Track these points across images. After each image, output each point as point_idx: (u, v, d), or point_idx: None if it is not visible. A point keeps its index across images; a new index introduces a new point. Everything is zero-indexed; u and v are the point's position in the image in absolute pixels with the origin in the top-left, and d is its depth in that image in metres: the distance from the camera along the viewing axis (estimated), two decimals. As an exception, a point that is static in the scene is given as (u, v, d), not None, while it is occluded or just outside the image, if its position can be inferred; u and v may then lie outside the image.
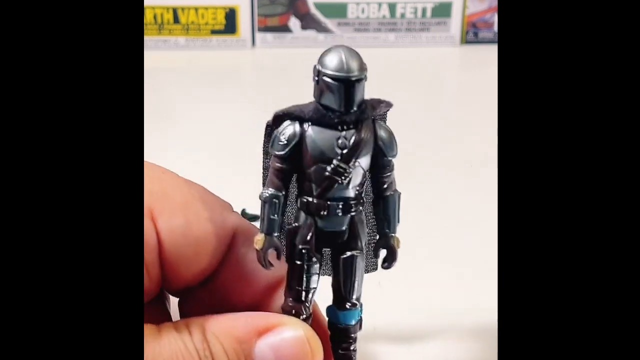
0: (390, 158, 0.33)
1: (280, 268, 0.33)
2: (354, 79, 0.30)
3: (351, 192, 0.32)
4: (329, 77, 0.30)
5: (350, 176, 0.32)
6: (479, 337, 0.45)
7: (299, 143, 0.32)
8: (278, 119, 0.32)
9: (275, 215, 0.32)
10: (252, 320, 0.31)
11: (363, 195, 0.33)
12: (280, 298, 0.34)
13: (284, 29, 0.96)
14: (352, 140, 0.31)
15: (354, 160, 0.31)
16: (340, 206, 0.32)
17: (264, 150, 0.34)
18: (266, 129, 0.33)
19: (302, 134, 0.32)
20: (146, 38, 0.93)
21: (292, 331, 0.31)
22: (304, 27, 0.97)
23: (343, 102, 0.30)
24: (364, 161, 0.32)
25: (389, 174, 0.34)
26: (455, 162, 0.69)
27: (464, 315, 0.47)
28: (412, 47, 0.99)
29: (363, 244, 0.33)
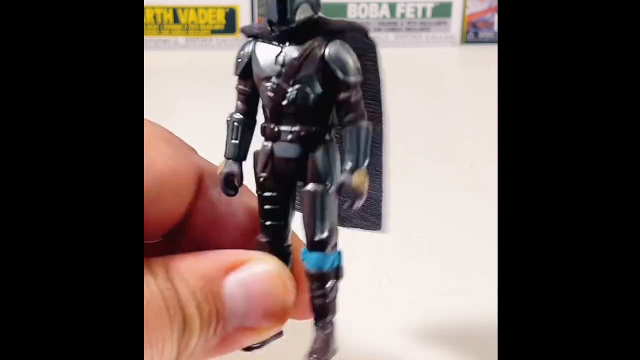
0: (344, 79, 0.29)
1: (254, 211, 0.31)
2: None
3: (302, 116, 0.29)
4: None
5: (292, 97, 0.29)
6: (479, 338, 0.45)
7: (249, 62, 0.30)
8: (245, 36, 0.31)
9: (235, 139, 0.31)
10: (219, 257, 0.29)
11: (329, 123, 0.30)
12: None
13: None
14: (290, 56, 0.29)
15: (293, 78, 0.29)
16: (290, 131, 0.29)
17: None
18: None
19: (253, 51, 0.30)
20: (146, 38, 0.93)
21: (261, 266, 0.29)
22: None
23: (276, 13, 0.28)
24: (312, 81, 0.29)
25: (344, 98, 0.29)
26: (456, 161, 0.69)
27: (464, 316, 0.47)
28: (412, 47, 0.99)
29: (327, 179, 0.30)
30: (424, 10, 0.99)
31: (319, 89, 0.29)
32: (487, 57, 0.87)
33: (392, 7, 0.99)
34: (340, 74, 0.29)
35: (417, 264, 0.51)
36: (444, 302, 0.49)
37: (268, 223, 0.31)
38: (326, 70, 0.29)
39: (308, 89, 0.29)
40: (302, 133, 0.29)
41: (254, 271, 0.29)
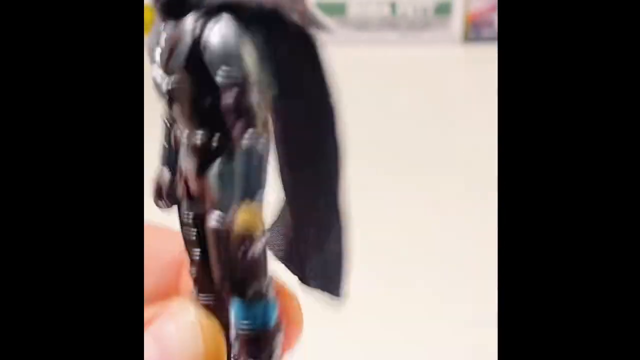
0: (218, 76, 0.20)
1: (174, 246, 0.26)
2: None
3: (191, 121, 0.22)
4: None
5: (165, 90, 0.21)
6: (479, 338, 0.45)
7: None
8: None
9: (167, 141, 0.24)
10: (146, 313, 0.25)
11: (221, 136, 0.22)
12: (187, 279, 0.27)
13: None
14: (163, 38, 0.22)
15: (164, 69, 0.21)
16: (185, 134, 0.22)
17: None
18: None
19: None
20: (146, 37, 0.93)
21: (174, 317, 0.24)
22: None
23: None
24: (183, 74, 0.21)
25: (222, 103, 0.20)
26: (456, 161, 0.69)
27: (464, 319, 0.47)
28: (413, 46, 0.99)
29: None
30: (425, 9, 0.99)
31: (191, 85, 0.21)
32: (489, 55, 0.87)
33: (393, 6, 0.99)
34: (214, 68, 0.20)
35: (416, 264, 0.51)
36: (443, 304, 0.49)
37: (195, 250, 0.24)
38: (199, 61, 0.21)
39: (181, 85, 0.21)
40: (200, 147, 0.22)
41: (167, 325, 0.24)
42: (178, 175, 0.23)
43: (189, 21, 0.21)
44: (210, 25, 0.20)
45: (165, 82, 0.22)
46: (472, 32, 0.99)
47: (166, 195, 0.25)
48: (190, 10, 0.20)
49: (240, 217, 0.20)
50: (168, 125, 0.24)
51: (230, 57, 0.20)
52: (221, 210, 0.21)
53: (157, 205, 0.25)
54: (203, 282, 0.24)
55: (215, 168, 0.22)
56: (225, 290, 0.23)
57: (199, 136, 0.22)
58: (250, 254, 0.21)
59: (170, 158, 0.24)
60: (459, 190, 0.62)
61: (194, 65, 0.21)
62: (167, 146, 0.24)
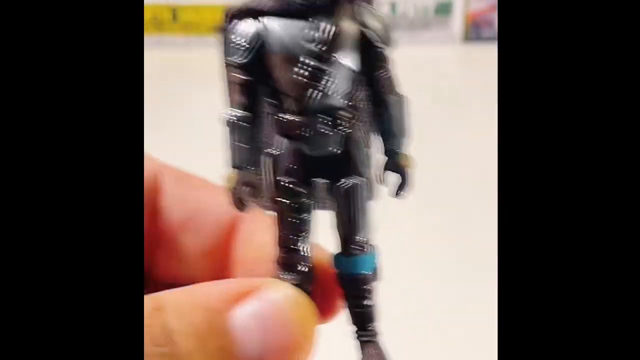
0: (381, 49, 0.26)
1: (229, 207, 0.27)
2: None
3: (339, 102, 0.25)
4: None
5: (330, 78, 0.25)
6: (478, 342, 0.45)
7: (261, 45, 0.25)
8: (233, 19, 0.25)
9: (245, 143, 0.26)
10: (224, 286, 0.25)
11: (361, 106, 0.26)
12: (243, 248, 0.29)
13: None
14: (325, 31, 0.24)
15: (330, 55, 0.24)
16: (327, 122, 0.25)
17: (224, 63, 0.27)
18: (219, 34, 0.26)
19: (264, 31, 0.25)
20: (145, 37, 0.93)
21: (276, 293, 0.25)
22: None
23: None
24: (347, 57, 0.25)
25: (382, 71, 0.26)
26: (456, 160, 0.69)
27: (463, 321, 0.47)
28: (413, 46, 0.99)
29: (366, 169, 0.26)
30: (426, 9, 0.99)
31: (356, 65, 0.25)
32: (489, 55, 0.87)
33: (394, 6, 0.99)
34: (378, 44, 0.25)
35: (416, 263, 0.51)
36: (443, 306, 0.49)
37: (294, 235, 0.26)
38: (362, 42, 0.25)
39: (347, 66, 0.25)
40: (341, 122, 0.25)
41: (269, 300, 0.25)
42: (285, 166, 0.26)
43: (348, 13, 0.25)
44: (363, 14, 0.25)
45: (328, 70, 0.24)
46: (472, 32, 0.99)
47: (255, 193, 0.26)
48: (337, 7, 0.24)
49: (405, 159, 0.26)
50: (247, 123, 0.26)
51: (386, 35, 0.26)
52: (359, 175, 0.26)
53: (241, 209, 0.26)
54: (288, 262, 0.26)
55: (357, 140, 0.26)
56: (345, 248, 0.27)
57: (344, 116, 0.25)
58: (407, 189, 0.27)
59: (252, 157, 0.26)
60: (459, 190, 0.62)
61: (360, 45, 0.25)
62: (247, 146, 0.26)
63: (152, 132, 0.35)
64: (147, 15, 0.94)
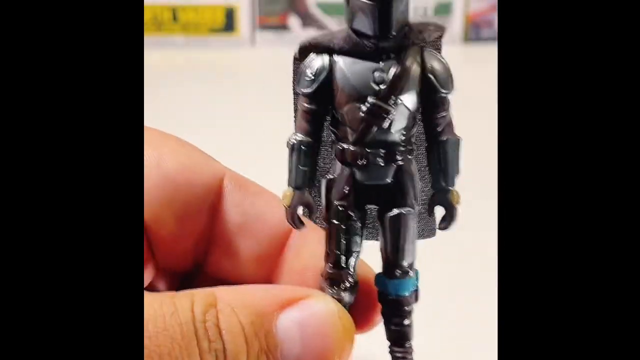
0: (443, 94, 0.27)
1: (284, 217, 0.28)
2: None
3: (395, 137, 0.27)
4: None
5: (391, 117, 0.26)
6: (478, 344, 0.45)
7: (328, 78, 0.27)
8: (305, 51, 0.27)
9: (305, 166, 0.28)
10: (273, 292, 0.27)
11: (413, 141, 0.28)
12: (292, 257, 0.31)
13: (284, 27, 0.96)
14: (391, 73, 0.26)
15: (394, 97, 0.26)
16: (382, 154, 0.27)
17: (293, 91, 0.29)
18: (294, 64, 0.28)
19: (332, 66, 0.27)
20: (145, 37, 0.93)
21: (320, 305, 0.26)
22: (304, 26, 0.97)
23: (378, 25, 0.25)
24: (410, 98, 0.27)
25: (443, 114, 0.28)
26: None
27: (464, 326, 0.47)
28: (412, 46, 0.99)
29: (415, 201, 0.28)
30: (425, 10, 0.99)
31: (416, 105, 0.27)
32: (488, 55, 0.87)
33: (393, 6, 0.99)
34: (442, 90, 0.27)
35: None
36: (443, 308, 0.48)
37: (343, 254, 0.28)
38: (425, 85, 0.27)
39: (408, 107, 0.27)
40: (396, 156, 0.27)
41: (313, 310, 0.26)
42: (340, 191, 0.28)
43: (414, 57, 0.27)
44: (427, 57, 0.27)
45: (392, 110, 0.26)
46: (472, 33, 0.99)
47: (310, 213, 0.29)
48: (405, 51, 0.26)
49: (455, 196, 0.29)
50: (308, 149, 0.28)
51: (448, 80, 0.28)
52: (408, 206, 0.28)
53: (298, 228, 0.28)
54: (334, 277, 0.28)
55: (409, 172, 0.28)
56: (389, 271, 0.28)
57: (398, 150, 0.27)
58: (453, 224, 0.29)
59: (310, 180, 0.28)
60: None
61: (422, 90, 0.27)
62: (306, 169, 0.28)
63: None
64: (147, 15, 0.94)
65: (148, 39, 0.95)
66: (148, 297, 0.24)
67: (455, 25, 1.00)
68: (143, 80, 0.28)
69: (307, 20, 0.97)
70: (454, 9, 0.99)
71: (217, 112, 0.78)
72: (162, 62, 0.92)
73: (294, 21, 0.97)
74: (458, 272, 0.52)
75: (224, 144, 0.73)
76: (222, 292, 0.26)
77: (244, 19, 0.96)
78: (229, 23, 0.96)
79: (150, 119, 0.32)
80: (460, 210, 0.29)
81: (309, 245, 0.32)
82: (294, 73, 0.28)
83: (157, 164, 0.31)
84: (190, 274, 0.34)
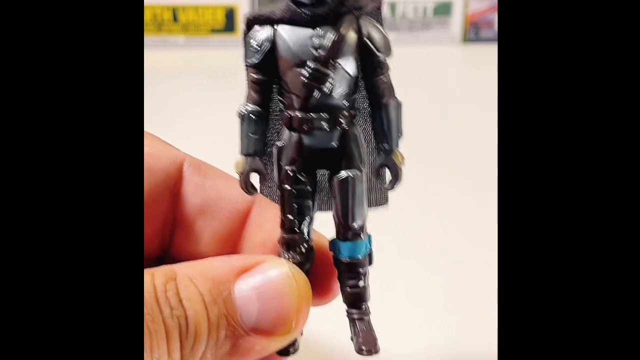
0: (380, 57, 0.29)
1: (245, 196, 0.30)
2: None
3: (338, 102, 0.28)
4: None
5: (331, 81, 0.27)
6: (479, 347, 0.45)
7: (271, 48, 0.28)
8: (250, 25, 0.29)
9: (255, 134, 0.29)
10: (229, 261, 0.28)
11: (356, 106, 0.29)
12: (253, 233, 0.32)
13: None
14: (328, 38, 0.27)
15: (332, 61, 0.27)
16: (326, 118, 0.28)
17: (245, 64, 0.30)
18: (243, 39, 0.30)
19: (274, 36, 0.28)
20: (145, 37, 0.93)
21: (274, 268, 0.28)
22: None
23: None
24: (348, 63, 0.28)
25: (382, 78, 0.29)
26: (456, 161, 0.69)
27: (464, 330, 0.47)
28: (413, 46, 0.99)
29: (361, 164, 0.29)
30: (425, 10, 0.99)
31: (355, 70, 0.28)
32: (488, 56, 0.87)
33: (393, 7, 0.99)
34: (378, 53, 0.28)
35: (416, 263, 0.51)
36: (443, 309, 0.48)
37: (296, 218, 0.29)
38: (363, 50, 0.28)
39: (347, 71, 0.28)
40: (340, 120, 0.28)
41: (268, 274, 0.28)
42: (289, 156, 0.29)
43: (348, 23, 0.27)
44: (363, 23, 0.28)
45: (330, 74, 0.27)
46: (472, 33, 0.99)
47: (261, 178, 0.30)
48: (338, 17, 0.27)
49: (398, 157, 0.29)
50: (258, 117, 0.29)
51: (384, 44, 0.28)
52: (355, 168, 0.29)
53: (250, 193, 0.30)
54: (290, 242, 0.29)
55: (354, 136, 0.29)
56: (342, 233, 0.30)
57: (342, 114, 0.28)
58: (397, 185, 0.30)
59: (260, 146, 0.29)
60: (459, 190, 0.62)
61: (360, 55, 0.28)
62: (256, 137, 0.29)
63: (152, 132, 0.36)
64: (148, 15, 0.94)
65: (148, 39, 0.95)
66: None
67: (455, 26, 1.00)
68: (143, 81, 0.28)
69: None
70: (454, 9, 0.99)
71: (217, 112, 0.78)
72: (162, 62, 0.92)
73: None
74: (458, 274, 0.52)
75: (223, 144, 0.74)
76: (181, 266, 0.28)
77: (244, 19, 0.96)
78: (229, 23, 0.96)
79: (150, 118, 0.32)
80: (403, 169, 0.30)
81: (268, 220, 0.33)
82: (243, 48, 0.29)
83: None
84: (159, 261, 0.34)
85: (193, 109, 0.80)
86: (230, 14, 0.96)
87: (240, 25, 0.96)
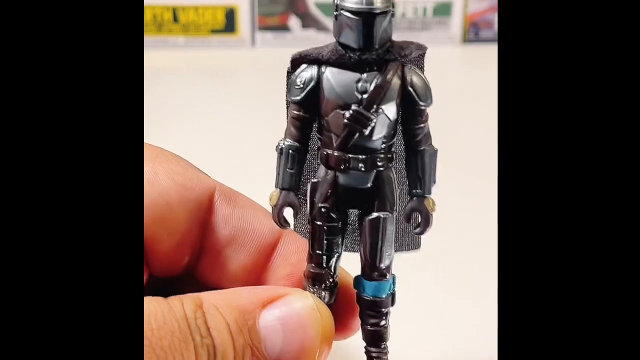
0: (422, 106, 0.30)
1: (273, 228, 0.31)
2: (376, 11, 0.27)
3: (376, 144, 0.29)
4: (347, 10, 0.27)
5: (372, 125, 0.28)
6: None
7: (316, 87, 0.29)
8: (296, 63, 0.30)
9: (292, 169, 0.30)
10: (255, 291, 0.29)
11: (393, 150, 0.30)
12: (279, 265, 0.33)
13: (284, 28, 0.96)
14: (373, 83, 0.28)
15: (375, 106, 0.28)
16: (363, 160, 0.29)
17: (286, 100, 0.31)
18: (287, 76, 0.30)
19: (320, 77, 0.29)
20: (145, 37, 0.93)
21: (299, 300, 0.29)
22: (304, 26, 0.97)
23: (362, 39, 0.27)
24: (390, 109, 0.29)
25: (421, 125, 0.30)
26: (456, 161, 0.69)
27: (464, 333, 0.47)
28: (412, 47, 0.99)
29: (393, 206, 0.30)
30: (425, 10, 0.99)
31: (396, 115, 0.29)
32: (488, 56, 0.87)
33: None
34: (420, 102, 0.30)
35: (415, 263, 0.51)
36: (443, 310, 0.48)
37: (324, 253, 0.30)
38: (405, 97, 0.29)
39: (388, 116, 0.29)
40: (377, 162, 0.29)
41: (293, 306, 0.29)
42: (322, 193, 0.30)
43: (393, 70, 0.29)
44: (407, 71, 0.29)
45: (373, 118, 0.28)
46: (471, 33, 0.99)
47: (294, 213, 0.31)
48: (385, 63, 0.28)
49: (430, 204, 0.31)
50: (296, 153, 0.30)
51: (427, 93, 0.30)
52: (386, 210, 0.30)
53: (282, 227, 0.31)
54: (316, 276, 0.30)
55: (388, 178, 0.30)
56: (367, 273, 0.30)
57: (379, 156, 0.29)
58: (427, 231, 0.31)
59: (296, 182, 0.30)
60: (459, 190, 0.62)
61: (402, 102, 0.29)
62: (293, 172, 0.30)
63: (152, 132, 0.36)
64: (148, 15, 0.94)
65: (148, 40, 0.95)
66: (145, 299, 0.26)
67: (454, 26, 1.00)
68: (143, 81, 0.28)
69: (307, 20, 0.97)
70: (454, 10, 0.99)
71: (217, 112, 0.78)
72: (162, 62, 0.92)
73: (294, 22, 0.97)
74: (458, 273, 0.52)
75: (224, 144, 0.74)
76: (207, 295, 0.28)
77: (244, 20, 0.96)
78: (229, 24, 0.96)
79: (151, 119, 0.32)
80: (434, 216, 0.30)
81: (294, 253, 0.34)
82: (287, 84, 0.30)
83: (151, 181, 0.32)
84: (180, 279, 0.35)
85: (193, 109, 0.79)
86: (230, 14, 0.96)
87: (241, 25, 0.96)
